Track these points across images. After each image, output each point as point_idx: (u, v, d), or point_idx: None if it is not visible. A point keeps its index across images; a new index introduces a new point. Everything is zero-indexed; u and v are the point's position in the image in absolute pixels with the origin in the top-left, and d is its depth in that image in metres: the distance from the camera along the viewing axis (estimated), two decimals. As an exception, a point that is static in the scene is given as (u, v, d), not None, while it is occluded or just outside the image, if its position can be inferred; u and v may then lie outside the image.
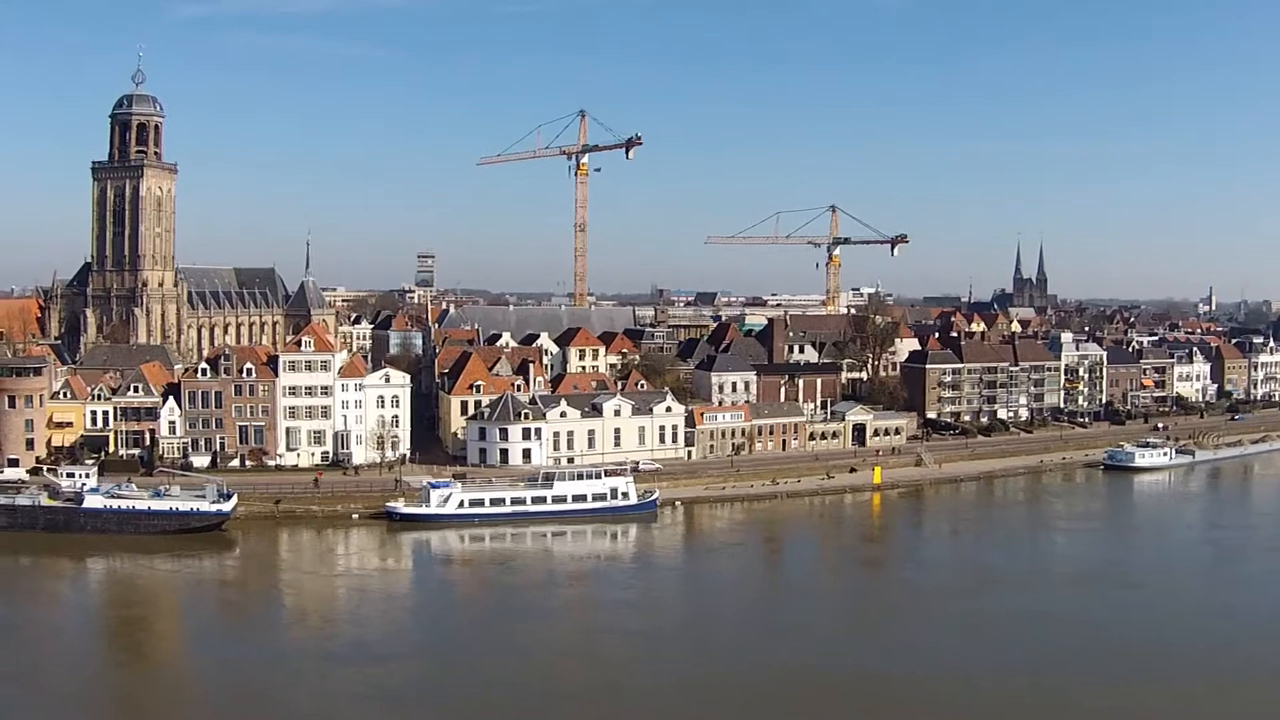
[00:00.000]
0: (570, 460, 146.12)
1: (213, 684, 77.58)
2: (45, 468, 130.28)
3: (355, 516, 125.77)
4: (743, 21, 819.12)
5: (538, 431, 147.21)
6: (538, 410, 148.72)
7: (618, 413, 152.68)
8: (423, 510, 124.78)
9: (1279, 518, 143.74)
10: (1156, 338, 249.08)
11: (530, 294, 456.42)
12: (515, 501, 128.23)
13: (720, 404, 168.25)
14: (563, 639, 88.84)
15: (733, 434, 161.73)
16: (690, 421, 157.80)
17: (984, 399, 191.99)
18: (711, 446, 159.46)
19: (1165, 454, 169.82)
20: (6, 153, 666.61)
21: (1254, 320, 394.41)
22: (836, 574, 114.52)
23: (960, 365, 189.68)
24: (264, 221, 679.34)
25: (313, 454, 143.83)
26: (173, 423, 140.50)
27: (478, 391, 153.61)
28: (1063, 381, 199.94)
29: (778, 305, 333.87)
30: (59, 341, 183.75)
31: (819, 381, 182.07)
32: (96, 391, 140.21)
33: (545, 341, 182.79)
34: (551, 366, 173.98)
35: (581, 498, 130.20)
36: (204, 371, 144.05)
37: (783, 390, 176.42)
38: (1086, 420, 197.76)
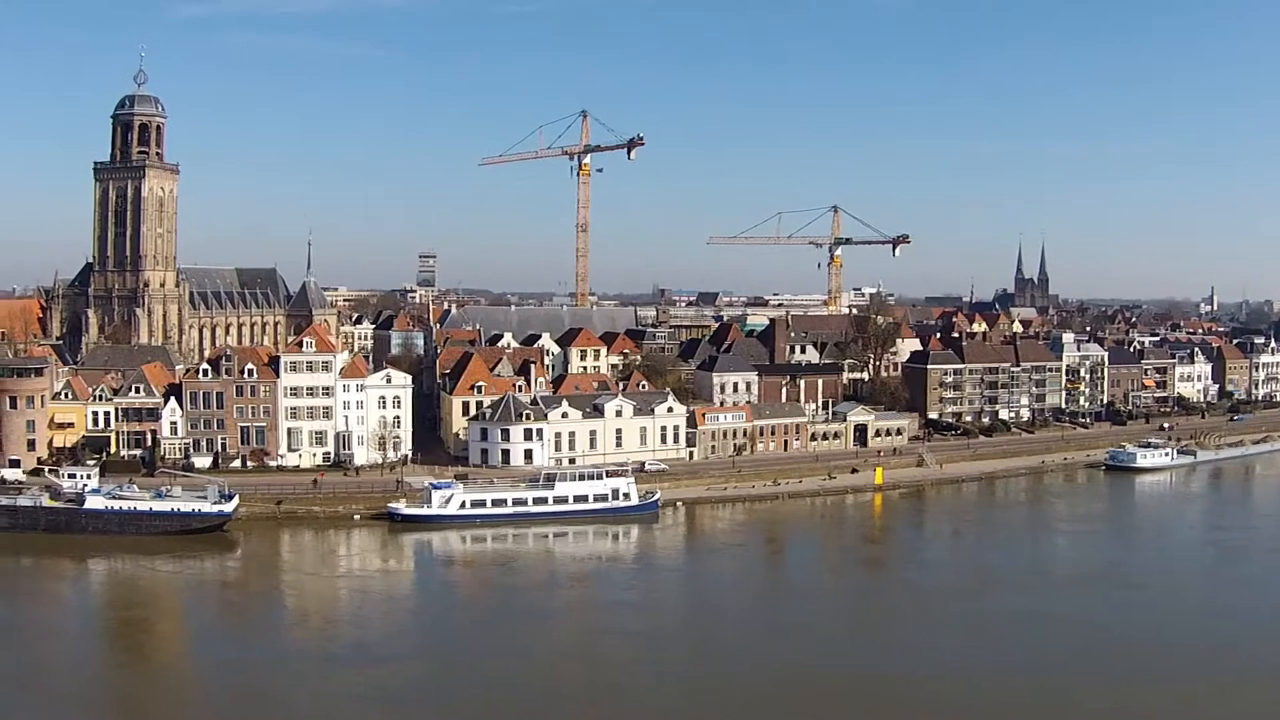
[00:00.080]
0: (572, 461, 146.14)
1: (214, 685, 77.65)
2: (47, 468, 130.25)
3: (357, 517, 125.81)
4: (743, 21, 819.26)
5: (539, 432, 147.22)
6: (539, 411, 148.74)
7: (619, 413, 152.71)
8: (424, 511, 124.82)
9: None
10: (1158, 338, 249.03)
11: (532, 294, 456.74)
12: (517, 502, 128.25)
13: (722, 404, 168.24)
14: (564, 640, 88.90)
15: (734, 434, 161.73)
16: (692, 422, 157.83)
17: (985, 399, 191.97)
18: (713, 447, 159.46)
19: (1167, 454, 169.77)
20: (7, 152, 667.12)
21: (1256, 320, 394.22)
22: (838, 574, 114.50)
23: (962, 366, 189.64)
24: (265, 222, 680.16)
25: (314, 455, 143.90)
26: (174, 423, 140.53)
27: (479, 392, 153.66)
28: (1064, 382, 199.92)
29: (779, 305, 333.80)
30: (60, 342, 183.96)
31: (820, 382, 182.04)
32: (98, 392, 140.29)
33: (547, 342, 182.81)
34: (553, 367, 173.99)
35: (583, 498, 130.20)
36: (205, 372, 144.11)
37: (784, 391, 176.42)
38: (1088, 421, 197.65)
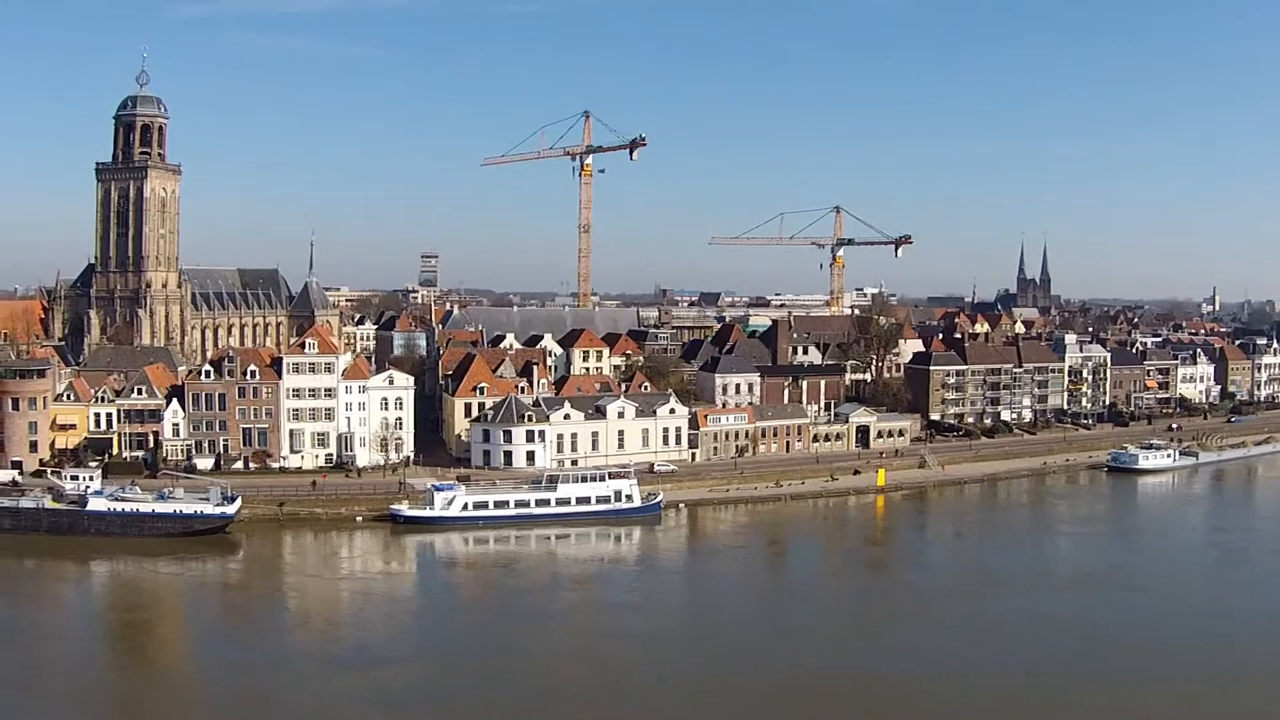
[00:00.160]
0: (574, 463, 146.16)
1: (216, 687, 77.74)
2: (49, 470, 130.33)
3: (359, 519, 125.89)
4: (744, 21, 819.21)
5: (541, 434, 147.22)
6: (541, 412, 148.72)
7: (621, 415, 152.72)
8: (427, 513, 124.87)
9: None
10: (1160, 339, 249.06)
11: (534, 294, 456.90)
12: (519, 504, 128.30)
13: (724, 406, 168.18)
14: (566, 642, 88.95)
15: (736, 436, 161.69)
16: (694, 423, 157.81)
17: (988, 400, 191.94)
18: (715, 448, 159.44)
19: (1168, 456, 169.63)
20: (9, 153, 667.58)
21: (1258, 320, 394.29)
22: (839, 576, 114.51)
23: (964, 367, 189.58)
24: (266, 222, 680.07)
25: (316, 456, 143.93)
26: (176, 425, 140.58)
27: (481, 393, 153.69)
28: (1066, 383, 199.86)
29: (781, 306, 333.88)
30: (63, 343, 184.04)
31: (823, 383, 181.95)
32: (100, 394, 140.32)
33: (549, 343, 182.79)
34: (555, 368, 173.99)
35: (585, 500, 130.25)
36: (208, 373, 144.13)
37: (786, 392, 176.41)
38: (1090, 422, 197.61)
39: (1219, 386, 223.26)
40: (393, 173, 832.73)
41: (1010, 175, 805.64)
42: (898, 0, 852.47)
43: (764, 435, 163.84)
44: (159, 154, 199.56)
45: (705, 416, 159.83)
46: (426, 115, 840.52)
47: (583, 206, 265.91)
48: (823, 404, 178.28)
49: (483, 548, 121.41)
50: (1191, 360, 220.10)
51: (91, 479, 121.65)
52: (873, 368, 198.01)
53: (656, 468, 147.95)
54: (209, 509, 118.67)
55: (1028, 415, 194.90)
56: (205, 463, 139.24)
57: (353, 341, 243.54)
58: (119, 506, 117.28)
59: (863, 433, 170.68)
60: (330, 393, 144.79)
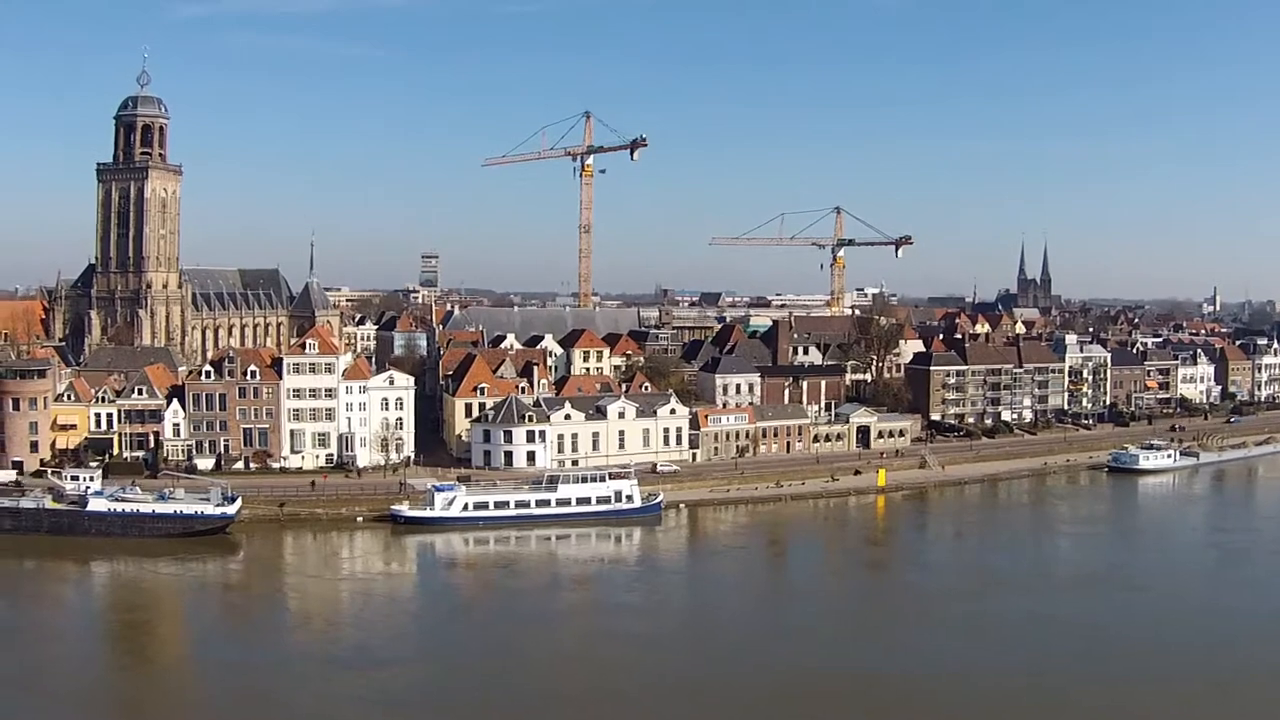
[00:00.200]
0: (575, 463, 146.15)
1: (216, 687, 77.72)
2: (50, 470, 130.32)
3: (359, 519, 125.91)
4: (743, 21, 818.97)
5: (542, 434, 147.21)
6: (542, 413, 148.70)
7: (622, 415, 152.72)
8: (427, 513, 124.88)
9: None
10: (1160, 339, 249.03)
11: (535, 294, 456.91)
12: (519, 504, 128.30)
13: (724, 406, 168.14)
14: (566, 643, 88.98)
15: (737, 436, 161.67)
16: (694, 424, 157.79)
17: (988, 401, 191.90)
18: (716, 449, 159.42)
19: (1169, 456, 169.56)
20: (10, 153, 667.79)
21: (1258, 320, 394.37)
22: (840, 577, 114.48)
23: (965, 367, 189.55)
24: (267, 222, 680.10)
25: (317, 457, 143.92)
26: (177, 425, 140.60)
27: (482, 394, 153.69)
28: (1067, 383, 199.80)
29: (782, 306, 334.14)
30: (63, 343, 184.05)
31: (823, 383, 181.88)
32: (101, 394, 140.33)
33: (549, 343, 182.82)
34: (556, 368, 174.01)
35: (586, 500, 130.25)
36: (208, 374, 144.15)
37: (787, 392, 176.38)
38: (1090, 422, 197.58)
39: (1219, 387, 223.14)
40: (393, 173, 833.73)
41: (1010, 175, 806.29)
42: (898, 0, 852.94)
43: (764, 436, 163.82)
44: (160, 154, 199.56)
45: (706, 417, 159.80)
46: (427, 115, 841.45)
47: (583, 207, 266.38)
48: (823, 404, 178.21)
49: (483, 548, 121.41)
50: (1192, 360, 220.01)
51: (92, 479, 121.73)
52: (873, 368, 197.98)
53: (659, 468, 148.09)
54: (209, 509, 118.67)
55: (1028, 415, 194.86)
56: (206, 463, 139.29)
57: (353, 342, 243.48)
58: (119, 507, 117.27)
59: (863, 433, 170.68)
60: (331, 393, 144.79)
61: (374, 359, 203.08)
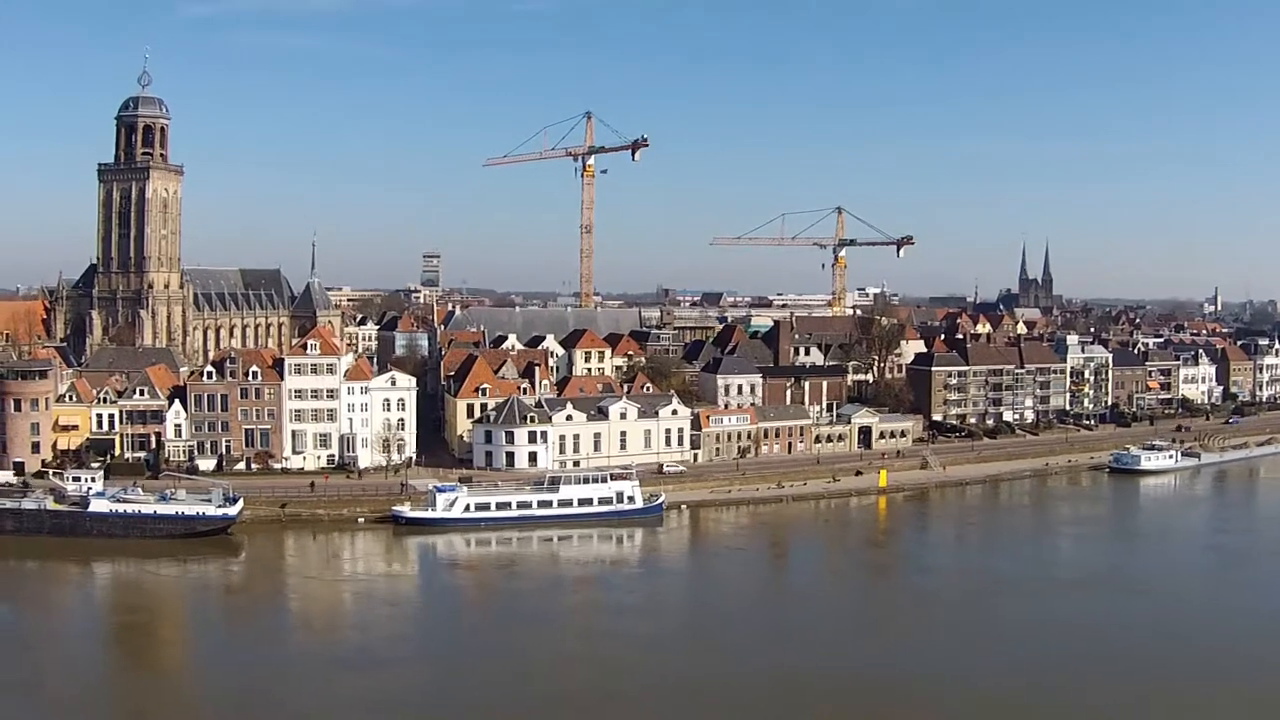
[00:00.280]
0: (576, 464, 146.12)
1: (218, 689, 77.65)
2: (51, 471, 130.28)
3: (361, 520, 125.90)
4: (744, 21, 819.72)
5: (543, 435, 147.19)
6: (543, 413, 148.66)
7: (623, 416, 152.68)
8: (428, 514, 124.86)
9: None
10: (1162, 339, 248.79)
11: (536, 293, 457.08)
12: (521, 505, 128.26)
13: (726, 407, 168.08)
14: (567, 644, 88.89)
15: (738, 437, 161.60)
16: (696, 424, 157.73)
17: (990, 401, 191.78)
18: (717, 449, 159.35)
19: (1171, 457, 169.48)
20: (11, 153, 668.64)
21: (1260, 320, 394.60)
22: (841, 578, 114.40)
23: (966, 368, 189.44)
24: (268, 222, 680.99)
25: (319, 457, 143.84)
26: (178, 426, 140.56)
27: (484, 394, 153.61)
28: (1068, 384, 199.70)
29: (783, 306, 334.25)
30: (65, 344, 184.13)
31: (825, 384, 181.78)
32: (102, 394, 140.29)
33: (551, 344, 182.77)
34: (557, 369, 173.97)
35: (587, 501, 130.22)
36: (210, 374, 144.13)
37: (788, 393, 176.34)
38: (1092, 423, 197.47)
39: (1221, 387, 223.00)
40: (395, 172, 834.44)
41: (1011, 175, 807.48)
42: (898, 0, 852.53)
43: (766, 436, 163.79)
44: (161, 155, 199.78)
45: (707, 417, 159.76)
46: (429, 115, 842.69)
47: (585, 207, 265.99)
48: (825, 405, 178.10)
49: (484, 549, 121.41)
50: (1193, 361, 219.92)
51: (93, 480, 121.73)
52: (875, 368, 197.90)
53: (667, 468, 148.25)
54: (211, 510, 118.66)
55: (1030, 416, 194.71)
56: (207, 464, 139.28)
57: (355, 342, 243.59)
58: (121, 508, 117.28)
59: (864, 434, 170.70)
60: (332, 394, 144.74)
61: (375, 359, 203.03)
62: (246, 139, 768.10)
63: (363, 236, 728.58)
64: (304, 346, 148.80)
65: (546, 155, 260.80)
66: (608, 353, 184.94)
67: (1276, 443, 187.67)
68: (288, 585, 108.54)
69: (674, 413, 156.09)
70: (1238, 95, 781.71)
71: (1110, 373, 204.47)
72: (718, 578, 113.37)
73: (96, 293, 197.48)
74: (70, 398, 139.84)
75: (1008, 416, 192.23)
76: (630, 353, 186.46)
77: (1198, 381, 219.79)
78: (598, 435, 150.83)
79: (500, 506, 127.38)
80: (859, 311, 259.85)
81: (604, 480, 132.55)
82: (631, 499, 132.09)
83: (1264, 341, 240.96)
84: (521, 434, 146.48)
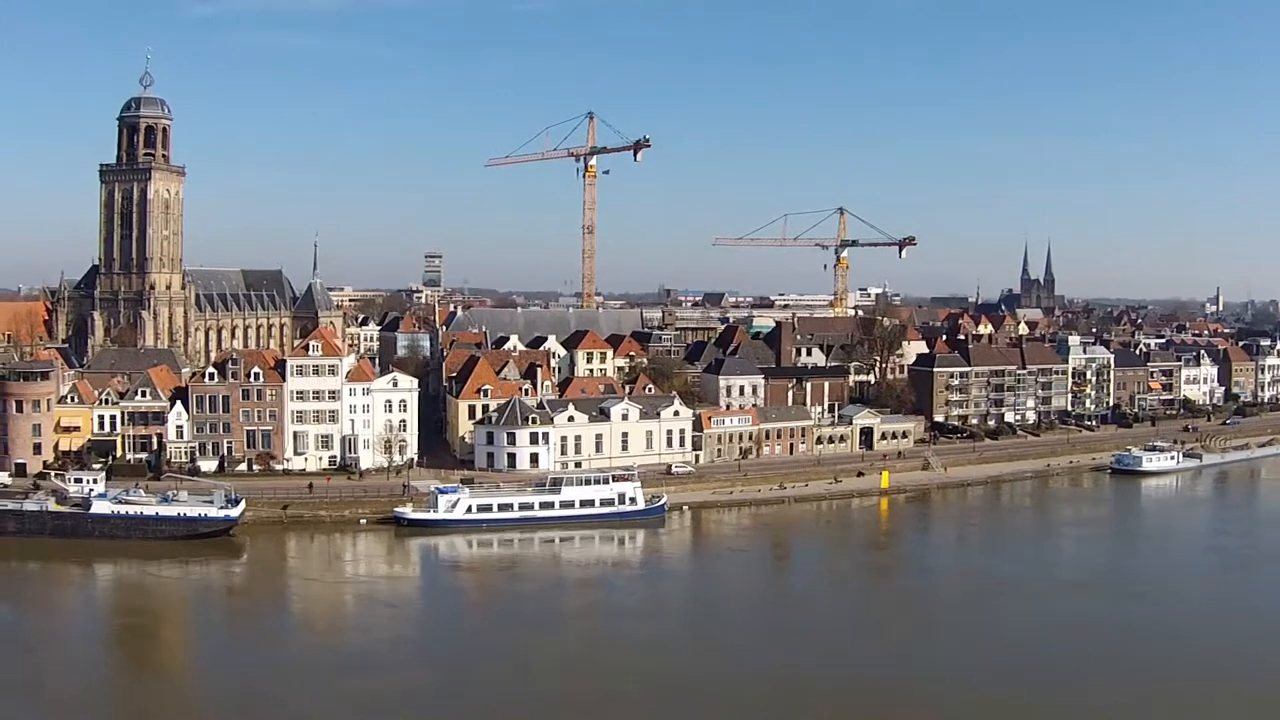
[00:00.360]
0: (578, 465, 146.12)
1: (219, 691, 77.76)
2: (53, 472, 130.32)
3: (363, 522, 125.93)
4: (746, 22, 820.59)
5: (545, 436, 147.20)
6: (545, 414, 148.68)
7: (625, 417, 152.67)
8: (430, 515, 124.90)
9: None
10: (1164, 340, 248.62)
11: (538, 293, 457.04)
12: (523, 506, 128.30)
13: (728, 408, 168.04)
14: (569, 646, 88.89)
15: (740, 438, 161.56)
16: (698, 425, 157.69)
17: (991, 402, 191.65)
18: (719, 451, 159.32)
19: (1172, 458, 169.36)
20: (13, 153, 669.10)
21: (1261, 320, 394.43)
22: (843, 580, 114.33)
23: (968, 368, 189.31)
24: (270, 222, 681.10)
25: (320, 459, 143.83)
26: (180, 427, 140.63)
27: (485, 395, 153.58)
28: (1070, 384, 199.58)
29: (785, 306, 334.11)
30: (66, 345, 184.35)
31: (826, 385, 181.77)
32: (104, 395, 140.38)
33: (553, 344, 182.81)
34: (559, 370, 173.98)
35: (589, 503, 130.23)
36: (212, 376, 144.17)
37: (790, 394, 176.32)
38: (1094, 423, 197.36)
39: (1223, 388, 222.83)
40: (396, 172, 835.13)
41: (1012, 175, 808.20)
42: (898, 0, 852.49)
43: (768, 437, 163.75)
44: (163, 155, 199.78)
45: (709, 418, 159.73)
46: (430, 115, 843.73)
47: (587, 207, 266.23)
48: (826, 406, 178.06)
49: (486, 551, 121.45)
50: (1195, 361, 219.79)
51: (95, 482, 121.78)
52: (876, 369, 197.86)
53: (674, 469, 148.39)
54: (213, 512, 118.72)
55: (1031, 417, 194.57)
56: (209, 465, 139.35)
57: (356, 343, 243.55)
58: (123, 509, 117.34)
59: (866, 435, 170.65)
60: (334, 395, 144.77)
61: (377, 360, 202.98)
62: (247, 139, 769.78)
63: (364, 237, 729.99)
64: (306, 347, 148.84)
65: (548, 155, 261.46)
66: (609, 353, 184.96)
67: (1278, 444, 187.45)
68: (289, 587, 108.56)
69: (676, 414, 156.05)
70: (1238, 95, 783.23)
71: (1112, 373, 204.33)
72: (719, 579, 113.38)
73: (98, 293, 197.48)
74: (72, 399, 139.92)
75: (1009, 417, 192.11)
76: (632, 353, 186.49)
77: (1199, 382, 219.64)
78: (599, 436, 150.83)
79: (502, 508, 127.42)
80: (861, 312, 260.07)
81: (606, 481, 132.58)
82: (633, 500, 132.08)
83: (1266, 342, 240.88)
84: (523, 435, 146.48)
